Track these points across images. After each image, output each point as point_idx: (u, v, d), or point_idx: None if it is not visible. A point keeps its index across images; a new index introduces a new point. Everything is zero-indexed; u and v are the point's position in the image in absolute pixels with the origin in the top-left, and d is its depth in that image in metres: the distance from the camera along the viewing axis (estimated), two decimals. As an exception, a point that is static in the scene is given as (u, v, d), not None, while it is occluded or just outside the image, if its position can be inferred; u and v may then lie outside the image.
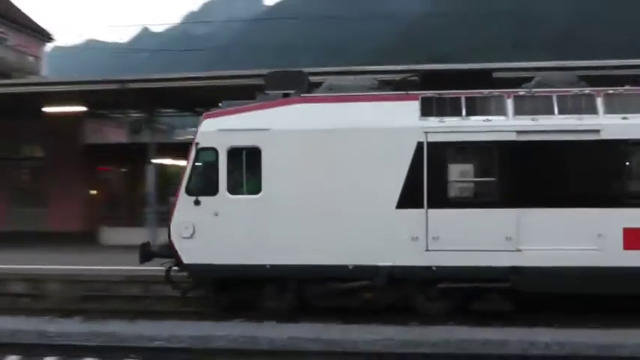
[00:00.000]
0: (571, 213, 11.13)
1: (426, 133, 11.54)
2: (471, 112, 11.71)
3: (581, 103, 11.42)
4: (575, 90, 11.73)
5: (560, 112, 11.40)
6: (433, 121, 11.64)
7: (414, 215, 11.49)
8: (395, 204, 11.52)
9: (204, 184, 12.29)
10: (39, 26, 47.84)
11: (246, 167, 12.08)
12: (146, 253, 12.81)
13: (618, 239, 10.94)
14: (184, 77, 18.69)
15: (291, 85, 12.67)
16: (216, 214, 12.01)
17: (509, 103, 11.68)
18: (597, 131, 11.06)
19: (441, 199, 11.51)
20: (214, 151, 12.15)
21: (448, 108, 11.80)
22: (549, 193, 11.35)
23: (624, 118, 11.08)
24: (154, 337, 10.50)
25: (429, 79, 12.75)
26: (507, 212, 11.26)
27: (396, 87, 13.19)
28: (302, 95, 12.52)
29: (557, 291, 11.49)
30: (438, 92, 12.04)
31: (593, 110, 11.30)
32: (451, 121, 11.63)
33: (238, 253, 11.89)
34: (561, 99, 11.57)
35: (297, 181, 11.89)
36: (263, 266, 11.83)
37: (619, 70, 15.95)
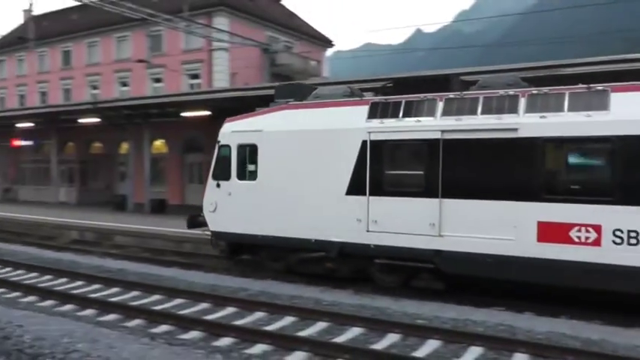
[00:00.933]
0: (489, 205, 12.11)
1: (369, 132, 13.47)
2: (406, 114, 13.26)
3: (504, 104, 12.24)
4: (501, 91, 12.49)
5: (483, 112, 12.34)
6: (375, 123, 13.48)
7: (358, 201, 13.55)
8: (345, 191, 13.73)
9: (222, 172, 15.65)
10: (320, 34, 53.84)
11: (248, 160, 15.33)
12: (192, 222, 16.59)
13: (532, 232, 11.63)
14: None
15: (294, 95, 15.39)
16: (230, 194, 15.44)
17: (439, 106, 12.93)
18: (515, 129, 11.83)
19: (379, 188, 13.38)
20: (228, 147, 15.58)
21: (389, 111, 13.49)
22: (469, 186, 12.40)
23: (542, 117, 11.67)
24: (418, 316, 11.20)
25: (399, 86, 14.56)
26: (432, 202, 12.66)
27: (376, 93, 15.39)
28: (289, 103, 15.14)
29: (474, 274, 12.53)
30: (386, 98, 13.83)
31: (514, 110, 12.04)
32: (389, 122, 13.35)
33: (241, 224, 15.14)
34: (487, 100, 12.48)
35: (280, 171, 14.76)
36: (256, 236, 14.96)
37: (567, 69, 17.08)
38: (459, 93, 13.03)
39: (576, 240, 11.23)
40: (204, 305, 12.03)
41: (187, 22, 31.48)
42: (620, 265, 10.74)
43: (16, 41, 49.81)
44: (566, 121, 11.47)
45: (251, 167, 15.39)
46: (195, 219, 16.49)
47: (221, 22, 40.03)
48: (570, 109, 11.54)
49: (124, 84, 46.62)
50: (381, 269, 13.72)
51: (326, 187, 14.02)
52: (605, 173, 11.35)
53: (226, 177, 15.64)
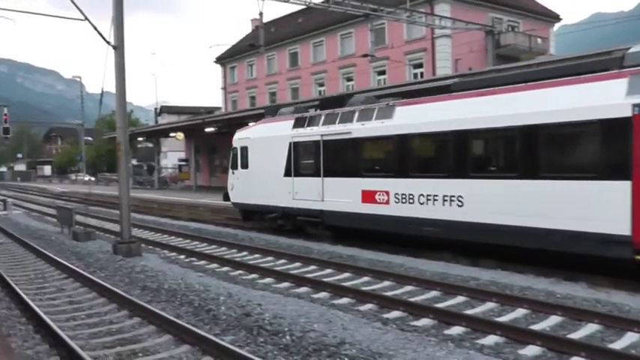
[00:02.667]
0: (343, 180, 18.12)
1: (292, 137, 20.01)
2: (309, 125, 19.55)
3: (348, 116, 18.13)
4: (348, 108, 18.56)
5: (340, 122, 18.35)
6: (295, 131, 19.98)
7: (289, 180, 20.07)
8: (283, 174, 20.27)
9: (234, 164, 23.07)
10: (546, 9, 50.70)
11: (245, 156, 22.40)
12: (225, 197, 23.85)
13: (359, 196, 17.35)
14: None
15: (271, 113, 22.69)
16: (237, 178, 22.84)
17: (322, 119, 19.16)
18: (350, 132, 17.75)
19: (297, 172, 19.82)
20: (236, 147, 22.88)
21: (302, 123, 19.87)
22: (335, 169, 18.45)
23: (362, 124, 17.39)
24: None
25: (322, 104, 21.50)
26: (318, 179, 18.84)
27: (315, 109, 21.68)
28: (266, 118, 22.69)
29: (340, 225, 18.62)
30: (302, 114, 20.42)
31: (350, 120, 17.92)
32: (301, 131, 19.74)
33: (244, 197, 22.49)
34: (342, 113, 18.48)
35: (257, 163, 21.84)
36: (250, 204, 22.24)
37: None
38: (335, 110, 19.00)
39: (379, 201, 16.75)
40: (434, 293, 11.88)
41: (409, 12, 31.45)
42: (399, 215, 16.08)
43: (246, 48, 53.40)
44: (372, 127, 17.09)
45: (245, 161, 22.44)
46: (226, 195, 23.74)
47: (443, 8, 39.57)
48: (375, 119, 17.06)
49: (349, 79, 47.98)
50: (305, 223, 19.99)
51: (275, 172, 20.52)
52: (392, 158, 16.80)
53: (235, 167, 23.03)
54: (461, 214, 14.39)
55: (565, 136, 12.57)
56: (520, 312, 10.38)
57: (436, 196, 15.01)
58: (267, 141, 21.26)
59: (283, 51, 54.69)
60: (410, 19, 31.93)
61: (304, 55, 52.82)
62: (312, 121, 19.45)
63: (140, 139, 59.06)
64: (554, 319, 9.93)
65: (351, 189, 17.53)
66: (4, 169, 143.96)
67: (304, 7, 28.24)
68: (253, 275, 14.33)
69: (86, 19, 17.43)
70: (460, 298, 11.38)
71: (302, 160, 19.70)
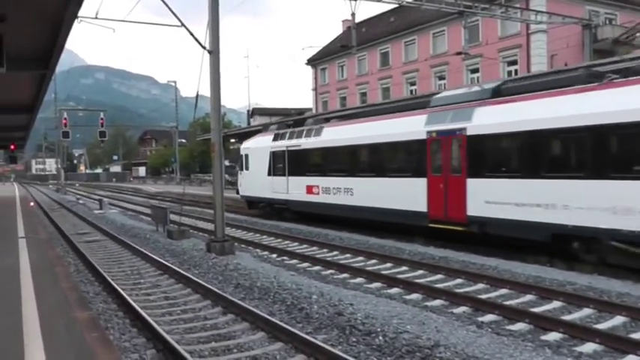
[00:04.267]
0: (297, 179, 25.05)
1: (271, 148, 27.20)
2: (281, 139, 26.80)
3: (301, 133, 25.39)
4: (301, 128, 26.35)
5: (296, 137, 25.57)
6: (273, 144, 27.20)
7: (270, 179, 27.02)
8: (267, 174, 27.28)
9: (241, 167, 30.26)
10: None
11: (247, 161, 29.50)
12: (237, 192, 31.19)
13: (304, 190, 24.57)
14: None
15: (265, 129, 30.85)
16: (243, 178, 30.01)
17: (288, 134, 26.35)
18: (300, 145, 25.03)
19: (275, 172, 26.79)
20: (242, 155, 30.10)
21: (277, 137, 27.18)
22: (294, 170, 25.34)
23: (307, 140, 24.64)
24: None
25: (295, 123, 30.81)
26: (285, 178, 25.85)
27: (287, 126, 29.46)
28: (261, 133, 30.79)
29: (300, 210, 25.62)
30: (279, 131, 27.70)
31: (302, 136, 25.11)
32: (277, 143, 26.95)
33: (246, 191, 29.67)
34: (299, 132, 25.70)
35: (254, 166, 28.77)
36: (250, 196, 29.50)
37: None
38: (295, 129, 26.81)
39: (314, 192, 23.84)
40: (529, 297, 11.54)
41: (504, 7, 30.72)
42: (324, 202, 23.23)
43: (337, 49, 53.68)
44: (311, 141, 24.24)
45: (247, 164, 29.57)
46: (237, 190, 31.22)
47: (538, 2, 38.33)
48: (314, 136, 24.24)
49: (441, 77, 47.37)
50: (279, 209, 27.17)
51: (263, 173, 27.55)
52: (320, 163, 24.09)
53: (242, 169, 30.17)
54: (353, 200, 21.70)
55: (398, 150, 19.96)
56: (618, 319, 9.96)
57: (340, 188, 22.36)
58: (258, 150, 28.59)
59: (374, 51, 54.53)
60: (505, 15, 31.24)
61: (395, 55, 52.51)
62: (282, 137, 26.75)
63: (233, 140, 60.24)
64: (655, 328, 9.48)
65: (301, 184, 24.81)
66: (100, 170, 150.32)
67: (396, 5, 28.03)
68: (344, 275, 14.34)
69: (183, 25, 17.89)
70: (556, 303, 11.02)
71: (277, 165, 26.69)
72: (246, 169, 29.49)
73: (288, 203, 25.77)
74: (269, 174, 26.84)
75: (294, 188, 25.17)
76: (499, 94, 17.03)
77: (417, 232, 18.68)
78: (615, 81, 13.81)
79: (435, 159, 17.82)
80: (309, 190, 24.06)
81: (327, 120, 26.19)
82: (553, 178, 14.39)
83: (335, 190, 22.49)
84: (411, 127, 18.75)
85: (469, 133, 16.63)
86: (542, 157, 14.88)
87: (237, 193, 30.96)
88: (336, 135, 22.92)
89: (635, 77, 13.35)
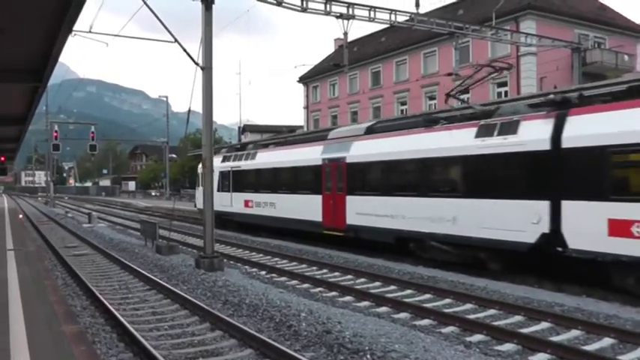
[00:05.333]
0: (239, 194, 29.59)
1: (220, 168, 30.47)
2: (227, 161, 31.45)
3: (241, 156, 30.22)
4: (242, 152, 31.16)
5: (238, 160, 30.38)
6: (220, 164, 30.96)
7: (220, 194, 29.31)
8: (216, 190, 25.78)
9: (198, 184, 33.83)
10: (633, 24, 48.08)
11: (228, 179, 31.39)
12: (195, 205, 35.26)
13: (243, 203, 29.08)
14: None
15: (217, 151, 32.72)
16: (199, 192, 32.94)
17: (233, 156, 31.06)
18: (240, 166, 29.90)
19: (223, 189, 30.66)
20: (198, 173, 32.29)
21: (224, 159, 31.60)
22: (237, 187, 30.01)
23: (245, 162, 29.41)
24: None
25: (240, 147, 36.05)
26: (228, 194, 30.42)
27: (236, 149, 34.46)
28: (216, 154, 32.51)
29: (245, 222, 29.61)
30: (226, 154, 32.66)
31: (241, 159, 30.06)
32: (224, 164, 31.27)
33: (201, 204, 24.18)
34: (239, 155, 30.72)
35: (232, 186, 30.74)
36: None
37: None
38: (237, 152, 31.93)
39: (249, 206, 28.27)
40: (518, 318, 11.57)
41: (495, 29, 31.00)
42: (256, 214, 27.75)
43: (329, 68, 53.79)
44: (248, 163, 29.01)
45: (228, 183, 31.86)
46: (195, 204, 35.70)
47: (529, 25, 38.84)
48: (250, 159, 28.87)
49: (431, 97, 47.62)
50: (226, 220, 30.44)
51: (216, 188, 26.80)
52: (254, 181, 28.60)
53: (198, 185, 33.84)
54: (275, 212, 25.82)
55: (305, 172, 24.10)
56: (606, 341, 9.99)
57: (267, 202, 26.31)
58: (226, 171, 31.96)
59: (366, 70, 54.83)
60: (495, 37, 31.45)
61: (387, 74, 52.78)
62: (228, 159, 31.76)
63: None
64: (640, 352, 9.55)
65: (241, 199, 29.40)
66: (89, 184, 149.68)
67: (388, 25, 28.23)
68: (333, 293, 14.36)
69: (176, 41, 18.00)
70: (544, 324, 11.06)
71: (224, 182, 31.23)
72: (200, 185, 32.83)
73: (232, 215, 30.29)
74: (218, 190, 29.24)
75: (236, 202, 29.80)
76: (371, 131, 21.77)
77: (314, 237, 23.57)
78: (436, 126, 18.40)
79: (327, 180, 22.62)
80: (246, 203, 28.81)
81: (265, 146, 30.86)
82: (397, 196, 19.00)
83: (263, 204, 27.08)
84: (312, 154, 23.59)
85: (348, 161, 21.51)
86: (391, 180, 19.56)
87: (195, 206, 36.06)
88: (265, 159, 27.74)
89: (452, 124, 17.83)
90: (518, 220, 14.78)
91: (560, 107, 14.88)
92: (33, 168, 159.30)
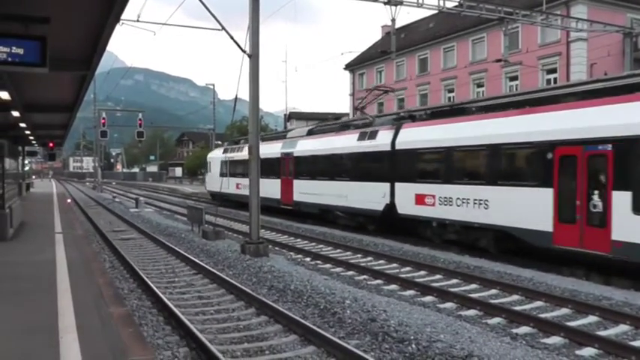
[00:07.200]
0: (232, 179, 37.73)
1: (221, 158, 41.38)
2: (226, 152, 41.11)
3: (234, 149, 39.79)
4: (236, 145, 41.14)
5: (232, 152, 39.80)
6: (222, 155, 41.41)
7: (221, 179, 39.02)
8: (219, 175, 40.77)
9: (207, 170, 46.94)
10: None
11: (210, 166, 44.93)
12: (205, 187, 49.24)
13: (234, 186, 37.04)
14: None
15: (222, 144, 51.26)
16: (207, 177, 47.53)
17: (229, 149, 41.04)
18: (233, 157, 38.98)
19: (223, 175, 39.81)
20: (208, 162, 46.29)
21: (225, 151, 41.64)
22: (230, 173, 38.81)
23: (237, 153, 38.60)
24: None
25: (234, 142, 45.77)
26: (227, 178, 38.21)
27: (235, 143, 44.78)
28: (219, 147, 49.62)
29: (232, 200, 38.43)
30: (227, 147, 43.23)
31: (234, 151, 39.39)
32: (225, 155, 40.93)
33: (209, 187, 45.67)
34: (234, 149, 40.06)
35: (213, 169, 43.51)
36: (211, 191, 44.37)
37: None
38: (233, 146, 41.72)
39: (238, 187, 36.34)
40: (564, 310, 11.37)
41: (545, 15, 30.30)
42: (241, 194, 34.74)
43: (376, 55, 53.48)
44: (238, 155, 37.81)
45: (210, 168, 44.06)
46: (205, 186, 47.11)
47: (580, 10, 37.79)
48: (239, 152, 37.88)
49: (479, 85, 46.95)
50: (224, 200, 39.64)
51: (217, 174, 40.97)
52: (240, 168, 36.19)
53: (207, 171, 46.42)
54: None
55: (271, 163, 30.25)
56: (656, 336, 9.73)
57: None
58: (215, 159, 43.23)
59: (413, 57, 54.26)
60: (545, 22, 30.73)
61: (434, 61, 52.19)
62: (226, 151, 41.08)
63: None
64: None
65: (233, 183, 36.98)
66: (136, 169, 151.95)
67: (436, 11, 27.85)
68: (378, 281, 14.31)
69: (223, 29, 18.02)
70: (592, 318, 10.85)
71: (223, 170, 40.19)
72: (209, 171, 45.06)
73: (229, 195, 37.89)
74: (220, 175, 40.51)
75: (230, 185, 36.85)
76: (310, 133, 30.27)
77: (275, 211, 30.97)
78: (343, 131, 26.92)
79: (283, 168, 30.48)
80: (237, 186, 36.52)
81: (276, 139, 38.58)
82: (319, 180, 26.77)
83: (244, 187, 30.90)
84: (275, 149, 31.61)
85: (295, 154, 29.67)
86: (316, 168, 27.24)
87: (205, 188, 48.31)
88: (246, 151, 32.21)
89: (349, 130, 26.47)
90: (376, 196, 22.33)
91: (400, 122, 22.55)
92: (81, 154, 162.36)
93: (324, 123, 36.86)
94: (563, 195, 14.70)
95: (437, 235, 19.77)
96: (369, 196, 22.65)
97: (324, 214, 26.84)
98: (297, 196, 28.85)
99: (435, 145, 19.58)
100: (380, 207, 21.99)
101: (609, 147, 13.49)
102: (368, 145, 22.99)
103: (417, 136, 20.64)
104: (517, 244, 16.65)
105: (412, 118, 22.66)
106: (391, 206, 21.43)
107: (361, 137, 23.78)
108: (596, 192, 13.79)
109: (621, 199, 13.17)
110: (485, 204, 17.25)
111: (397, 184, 21.25)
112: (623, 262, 13.37)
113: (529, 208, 15.64)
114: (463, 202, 18.14)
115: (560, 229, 14.69)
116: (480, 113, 19.13)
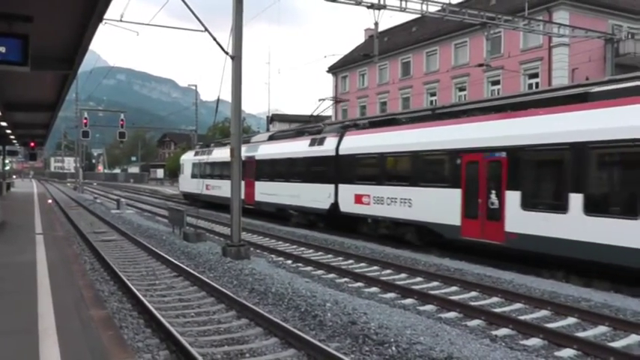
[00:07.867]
0: (204, 180, 37.72)
1: (193, 160, 43.30)
2: (198, 155, 42.57)
3: (205, 152, 40.67)
4: (207, 148, 42.32)
5: (204, 154, 39.95)
6: (194, 158, 43.22)
7: (192, 180, 42.18)
8: (190, 177, 43.51)
9: (180, 171, 47.85)
10: None
11: (183, 167, 46.47)
12: (178, 189, 51.58)
13: (205, 187, 36.96)
14: None
15: (203, 146, 47.95)
16: (180, 178, 48.19)
17: (200, 152, 42.71)
18: (207, 159, 38.26)
19: (194, 176, 41.84)
20: (181, 163, 47.82)
21: (196, 154, 43.67)
22: (203, 174, 39.11)
23: (208, 156, 38.37)
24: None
25: (206, 144, 47.77)
26: (200, 180, 38.17)
27: (206, 146, 45.76)
28: (191, 150, 51.43)
29: (204, 200, 36.92)
30: (198, 150, 45.44)
31: (206, 154, 39.50)
32: (195, 157, 42.85)
33: (182, 188, 47.45)
34: (205, 151, 41.00)
35: (185, 171, 45.27)
36: (184, 192, 46.37)
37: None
38: (204, 149, 43.43)
39: (209, 188, 37.12)
40: (544, 312, 11.48)
41: (527, 20, 30.56)
42: (214, 195, 36.51)
43: (359, 58, 53.71)
44: (209, 157, 37.87)
45: (183, 169, 45.84)
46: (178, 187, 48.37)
47: (562, 16, 38.31)
48: (208, 154, 38.63)
49: (461, 89, 47.24)
50: (195, 200, 38.47)
51: (189, 176, 43.28)
52: (211, 171, 38.33)
53: (180, 173, 47.28)
54: (221, 193, 32.77)
55: (244, 164, 25.50)
56: (634, 338, 9.87)
57: (216, 187, 33.23)
58: (187, 161, 44.90)
59: (395, 60, 54.52)
60: (527, 28, 30.99)
61: (417, 65, 52.46)
62: (197, 153, 42.80)
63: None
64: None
65: (203, 184, 36.92)
66: (118, 170, 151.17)
67: (419, 16, 27.98)
68: (359, 284, 14.34)
69: (206, 30, 17.98)
70: (571, 320, 10.96)
71: (194, 171, 41.92)
72: (182, 173, 46.36)
73: (200, 196, 37.16)
74: (191, 177, 42.45)
75: (202, 187, 37.11)
76: (271, 138, 32.67)
77: (247, 211, 28.49)
78: (298, 137, 29.04)
79: (247, 171, 29.23)
80: (207, 187, 37.40)
81: (221, 144, 40.07)
82: (276, 181, 29.08)
83: (216, 188, 36.10)
84: (248, 154, 32.06)
85: (256, 158, 31.55)
86: (274, 171, 29.53)
87: (179, 189, 49.92)
88: (214, 154, 37.70)
89: (304, 136, 28.57)
90: (323, 196, 24.70)
91: (344, 130, 25.15)
92: (62, 154, 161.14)
93: (283, 130, 40.16)
94: (468, 194, 17.17)
95: (372, 230, 22.33)
96: (317, 196, 25.17)
97: (280, 213, 29.09)
98: (258, 197, 31.05)
99: (370, 151, 22.34)
100: (326, 206, 24.56)
101: (504, 154, 16.07)
102: (317, 150, 25.60)
103: (356, 143, 23.34)
104: (434, 237, 18.96)
105: (356, 126, 25.66)
106: (335, 205, 24.06)
107: (312, 143, 26.34)
108: (493, 192, 16.25)
109: (512, 198, 15.67)
110: (409, 202, 19.80)
111: (340, 186, 23.84)
112: (518, 249, 15.71)
113: (443, 206, 18.08)
114: (392, 201, 20.69)
115: (466, 223, 17.19)
116: (407, 124, 21.83)
